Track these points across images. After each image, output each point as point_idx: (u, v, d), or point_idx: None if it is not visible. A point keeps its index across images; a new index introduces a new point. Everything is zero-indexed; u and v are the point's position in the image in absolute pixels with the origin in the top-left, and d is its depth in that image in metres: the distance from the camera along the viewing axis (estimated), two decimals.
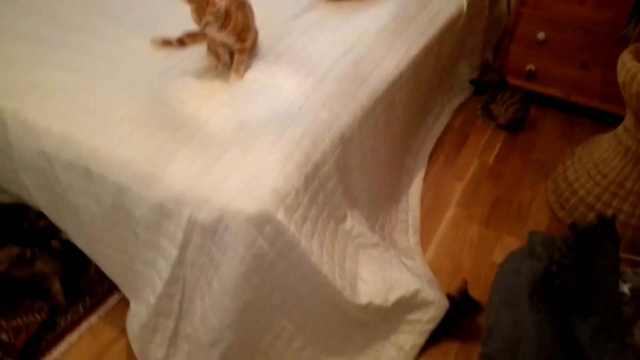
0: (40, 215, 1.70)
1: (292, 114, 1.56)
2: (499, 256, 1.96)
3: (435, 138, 2.48)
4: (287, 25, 1.99)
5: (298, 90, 1.65)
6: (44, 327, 1.61)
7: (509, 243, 2.02)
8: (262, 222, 1.32)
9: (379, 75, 1.82)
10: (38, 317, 1.63)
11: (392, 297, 1.58)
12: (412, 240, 1.97)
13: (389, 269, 1.66)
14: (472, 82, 2.75)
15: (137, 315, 1.50)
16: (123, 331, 1.59)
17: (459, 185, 2.29)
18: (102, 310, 1.69)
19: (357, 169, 1.72)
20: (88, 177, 1.42)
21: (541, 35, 2.51)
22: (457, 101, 2.73)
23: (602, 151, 2.04)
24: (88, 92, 1.57)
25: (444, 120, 2.58)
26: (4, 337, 1.57)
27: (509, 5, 2.95)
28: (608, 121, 2.55)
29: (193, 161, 1.39)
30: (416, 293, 1.61)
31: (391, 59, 1.91)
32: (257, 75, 1.70)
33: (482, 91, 2.68)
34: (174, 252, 1.38)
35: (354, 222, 1.69)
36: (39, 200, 1.59)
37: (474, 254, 1.98)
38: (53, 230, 1.76)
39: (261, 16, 2.01)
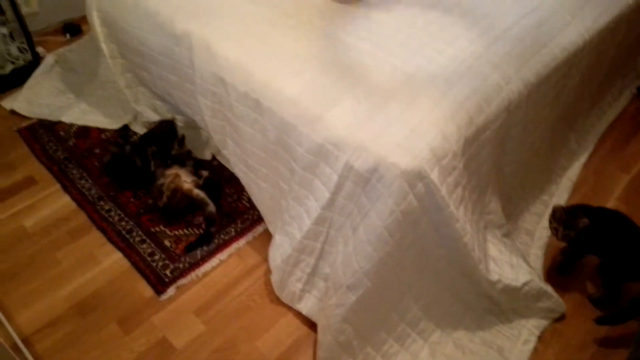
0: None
1: (460, 72, 1.50)
2: None
3: (608, 122, 2.25)
4: None
5: (469, 47, 1.57)
6: (201, 241, 1.78)
7: None
8: (415, 179, 1.30)
9: (560, 43, 1.67)
10: (197, 231, 1.80)
11: (521, 280, 1.52)
12: (543, 224, 1.85)
13: (514, 253, 1.60)
14: None
15: (281, 247, 1.59)
16: (265, 259, 1.70)
17: (624, 178, 2.07)
18: (250, 236, 1.81)
19: (515, 139, 1.63)
20: (258, 109, 1.50)
21: None
22: (638, 83, 2.44)
23: None
24: (267, 25, 1.63)
25: (621, 103, 2.33)
26: (167, 243, 1.76)
27: None
28: None
29: (356, 108, 1.40)
30: (540, 288, 1.54)
31: (576, 27, 1.74)
32: (428, 26, 1.65)
33: None
34: (326, 194, 1.42)
35: (492, 197, 1.62)
36: (210, 125, 1.72)
37: None
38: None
39: None
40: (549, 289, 1.56)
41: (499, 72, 1.52)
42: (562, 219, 1.59)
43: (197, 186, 1.81)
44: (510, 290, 1.51)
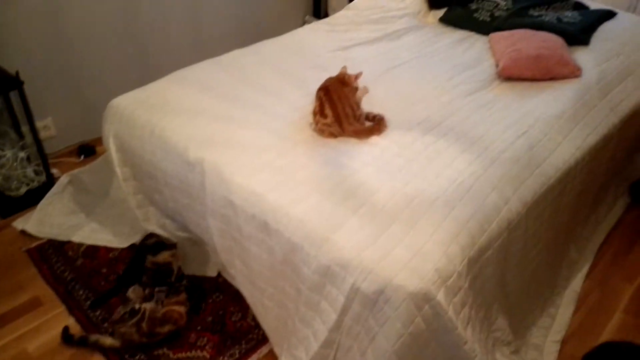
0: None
1: (460, 193, 1.56)
2: None
3: (606, 231, 2.29)
4: (459, 102, 2.02)
5: (467, 169, 1.65)
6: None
7: None
8: (422, 300, 1.32)
9: (553, 163, 1.76)
10: (201, 353, 1.77)
11: None
12: (550, 338, 1.83)
13: None
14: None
15: None
16: None
17: (629, 289, 2.07)
18: (255, 357, 1.77)
19: (517, 255, 1.66)
20: (266, 230, 1.55)
21: None
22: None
23: None
24: (275, 152, 1.73)
25: (617, 212, 2.39)
26: None
27: None
28: None
29: (361, 229, 1.45)
30: None
31: (567, 147, 1.84)
32: (426, 149, 1.74)
33: None
34: (332, 316, 1.43)
35: (498, 314, 1.63)
36: (218, 244, 1.76)
37: None
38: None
39: (432, 91, 2.09)
40: None
41: (497, 192, 1.58)
42: None
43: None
44: None
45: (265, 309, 1.70)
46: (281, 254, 1.54)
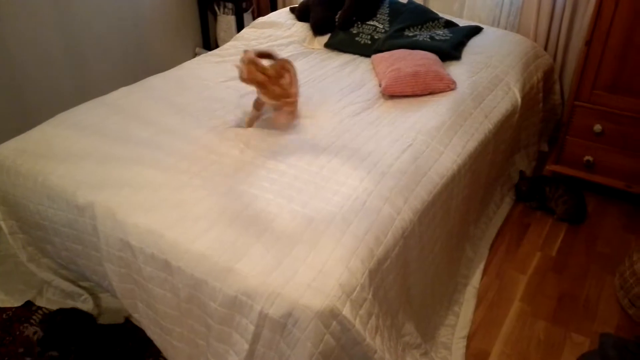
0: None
1: (356, 209, 1.63)
2: (568, 356, 1.88)
3: (496, 227, 2.47)
4: (348, 122, 2.12)
5: (360, 185, 1.73)
6: None
7: (578, 342, 1.94)
8: (329, 317, 1.35)
9: (437, 171, 1.88)
10: None
11: None
12: (457, 334, 1.94)
13: None
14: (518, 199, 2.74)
15: None
16: None
17: (522, 279, 2.25)
18: None
19: (415, 261, 1.75)
20: (168, 269, 1.52)
21: (598, 127, 2.53)
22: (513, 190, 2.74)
23: None
24: (171, 188, 1.71)
25: (504, 209, 2.59)
26: None
27: (562, 96, 3.01)
28: None
29: (264, 256, 1.47)
30: None
31: (449, 154, 1.98)
32: (321, 170, 1.80)
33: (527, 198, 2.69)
34: (245, 346, 1.42)
35: (405, 319, 1.70)
36: (119, 290, 1.69)
37: (542, 353, 1.91)
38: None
39: (323, 114, 2.17)
40: None
41: (389, 204, 1.67)
42: None
43: None
44: None
45: (175, 350, 1.66)
46: (186, 292, 1.51)
